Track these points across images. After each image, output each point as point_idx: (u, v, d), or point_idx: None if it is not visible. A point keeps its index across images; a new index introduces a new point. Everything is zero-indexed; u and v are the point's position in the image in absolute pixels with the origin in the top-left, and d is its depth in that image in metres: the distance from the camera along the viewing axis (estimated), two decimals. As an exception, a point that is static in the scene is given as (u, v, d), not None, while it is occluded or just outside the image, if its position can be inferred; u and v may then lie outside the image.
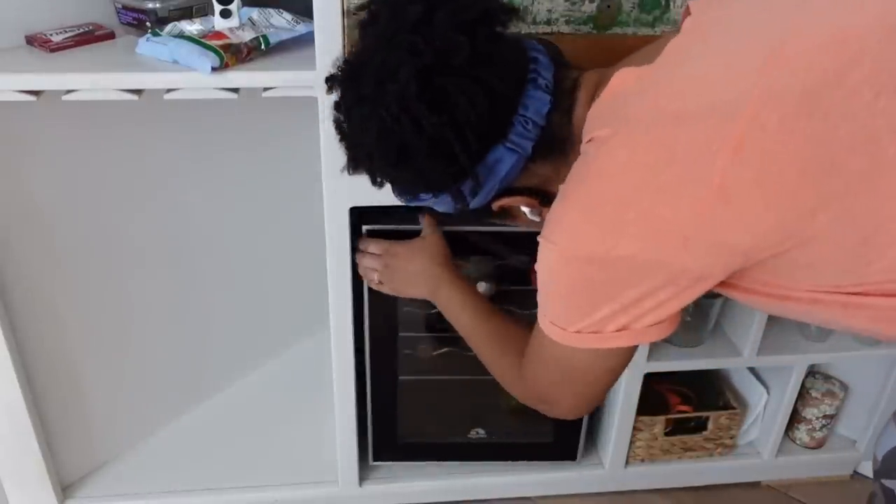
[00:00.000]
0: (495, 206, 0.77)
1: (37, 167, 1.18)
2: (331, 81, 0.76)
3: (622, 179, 0.63)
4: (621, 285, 0.65)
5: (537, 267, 0.71)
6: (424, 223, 1.08)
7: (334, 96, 0.76)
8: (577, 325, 0.69)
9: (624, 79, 0.68)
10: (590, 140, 0.67)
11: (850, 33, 0.59)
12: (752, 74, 0.60)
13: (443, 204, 0.77)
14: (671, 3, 1.02)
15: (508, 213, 0.81)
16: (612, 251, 0.63)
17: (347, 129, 0.75)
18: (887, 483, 0.87)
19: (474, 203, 0.75)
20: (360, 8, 0.75)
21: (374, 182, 0.77)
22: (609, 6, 1.01)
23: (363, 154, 0.74)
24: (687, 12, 0.73)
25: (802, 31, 0.61)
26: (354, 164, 0.77)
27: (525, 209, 0.79)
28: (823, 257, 0.61)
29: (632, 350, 0.73)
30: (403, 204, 0.82)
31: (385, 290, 1.09)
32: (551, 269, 0.69)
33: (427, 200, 0.78)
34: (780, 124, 0.57)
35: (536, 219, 0.79)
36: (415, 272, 1.04)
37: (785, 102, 0.58)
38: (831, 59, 0.58)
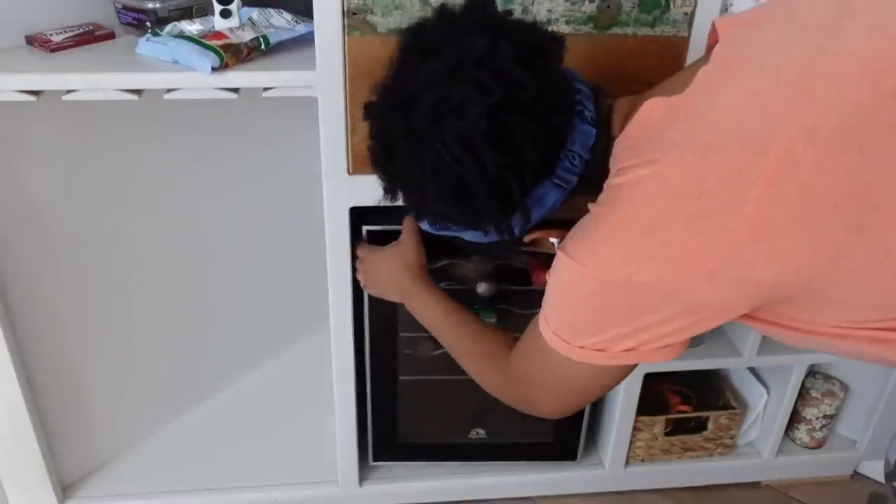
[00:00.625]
0: (528, 238, 0.76)
1: (37, 167, 1.18)
2: (371, 109, 0.73)
3: (651, 207, 0.62)
4: (638, 310, 0.64)
5: (552, 278, 0.69)
6: (404, 227, 1.06)
7: (374, 124, 0.73)
8: (583, 341, 0.68)
9: (653, 108, 0.66)
10: (620, 169, 0.66)
11: (885, 66, 0.58)
12: (785, 108, 0.59)
13: (475, 234, 0.75)
14: (671, 3, 1.02)
15: (537, 245, 0.80)
16: (633, 276, 0.62)
17: (391, 159, 0.71)
18: None
19: (513, 238, 0.74)
20: (410, 32, 0.72)
21: (416, 213, 0.75)
22: (609, 6, 1.01)
23: (412, 188, 0.71)
24: (714, 36, 0.71)
25: (835, 63, 0.60)
26: (394, 195, 0.74)
27: (554, 241, 0.77)
28: (853, 293, 0.60)
29: (631, 368, 0.71)
30: (432, 232, 0.79)
31: (370, 292, 1.11)
32: (568, 284, 0.68)
33: (458, 232, 0.76)
34: (815, 159, 0.56)
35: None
36: (387, 278, 1.05)
37: (819, 137, 0.57)
38: (865, 93, 0.57)
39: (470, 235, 0.76)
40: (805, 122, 0.57)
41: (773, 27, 0.67)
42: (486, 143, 0.65)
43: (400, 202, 0.75)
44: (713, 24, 0.73)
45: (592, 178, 0.70)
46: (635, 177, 0.63)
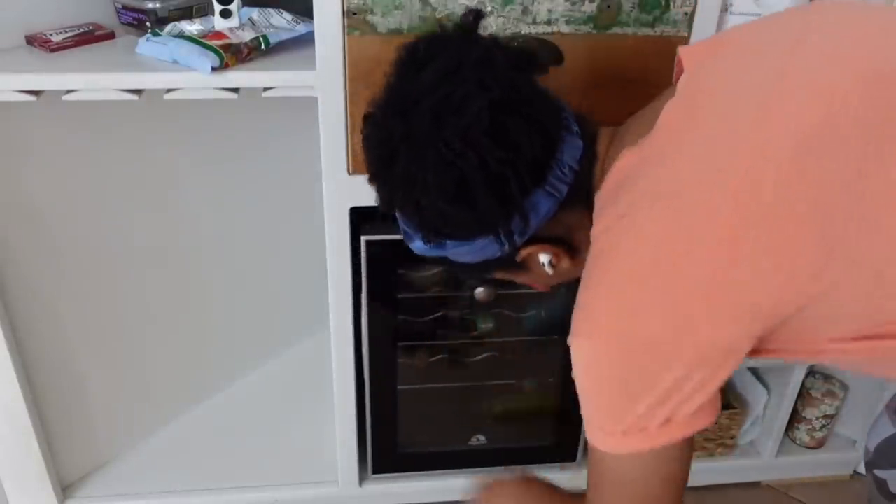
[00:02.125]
0: (522, 254, 0.76)
1: (37, 167, 1.18)
2: (369, 119, 0.74)
3: (635, 259, 0.64)
4: (656, 369, 0.64)
5: (574, 374, 0.70)
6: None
7: (372, 133, 0.73)
8: (622, 423, 0.67)
9: (627, 162, 0.68)
10: (600, 229, 0.68)
11: (833, 87, 0.61)
12: (744, 136, 0.61)
13: (470, 254, 0.75)
14: (671, 3, 1.02)
15: (525, 266, 0.79)
16: (639, 332, 0.63)
17: (390, 167, 0.71)
18: (879, 473, 0.88)
19: (509, 248, 0.74)
20: (408, 49, 0.73)
21: (411, 225, 0.75)
22: (609, 6, 1.01)
23: (412, 192, 0.70)
24: (680, 65, 0.74)
25: (789, 90, 0.62)
26: (391, 204, 0.74)
27: (544, 260, 0.78)
28: (842, 304, 0.61)
29: (684, 452, 0.71)
30: (426, 254, 0.78)
31: None
32: (586, 365, 0.68)
33: (452, 250, 0.75)
34: (776, 183, 0.59)
35: (550, 272, 0.79)
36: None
37: (779, 161, 0.59)
38: (817, 114, 0.60)
39: (465, 253, 0.75)
40: (764, 148, 0.60)
41: (734, 55, 0.70)
42: (487, 138, 0.66)
43: (397, 215, 0.75)
44: (678, 54, 0.75)
45: (580, 192, 0.72)
46: (615, 234, 0.66)
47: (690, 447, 0.72)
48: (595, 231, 0.69)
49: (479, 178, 0.67)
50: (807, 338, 0.65)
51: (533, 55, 0.74)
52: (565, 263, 0.78)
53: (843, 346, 0.64)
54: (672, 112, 0.68)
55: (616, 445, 0.69)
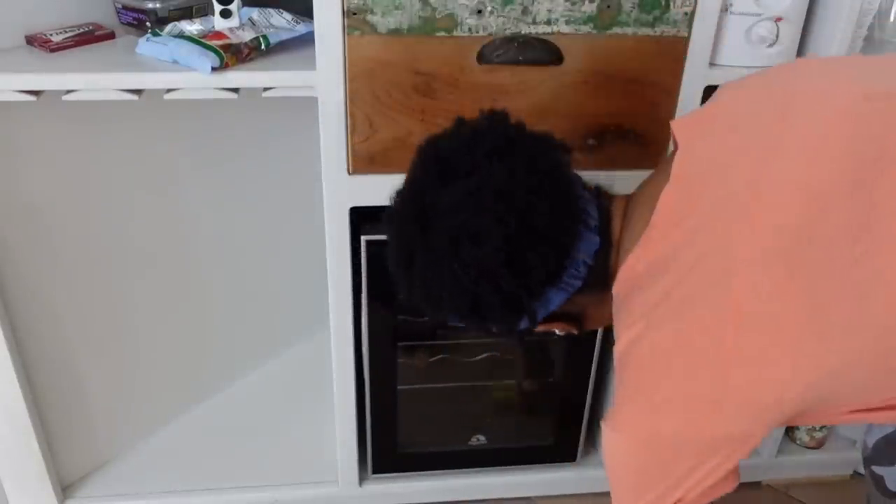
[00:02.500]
0: (533, 331, 0.80)
1: (37, 167, 1.18)
2: (391, 218, 0.77)
3: (650, 368, 0.69)
4: (674, 462, 0.69)
5: (605, 459, 0.77)
6: None
7: (393, 233, 0.77)
8: (642, 500, 0.72)
9: (633, 266, 0.71)
10: (618, 336, 0.72)
11: (816, 188, 0.63)
12: (739, 240, 0.64)
13: (484, 331, 0.80)
14: (671, 3, 1.02)
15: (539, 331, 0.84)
16: (659, 430, 0.68)
17: (409, 267, 0.75)
18: (877, 469, 0.88)
19: (517, 339, 0.80)
20: (430, 144, 0.77)
21: (429, 314, 0.80)
22: (609, 6, 1.01)
23: (428, 298, 0.76)
24: (675, 145, 0.75)
25: (770, 190, 0.65)
26: (410, 295, 0.78)
27: (557, 331, 0.83)
28: (853, 382, 0.64)
29: None
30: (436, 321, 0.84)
31: None
32: (613, 452, 0.75)
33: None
34: (772, 286, 0.62)
35: (562, 333, 0.84)
36: None
37: (770, 265, 0.62)
38: (799, 216, 0.62)
39: (479, 329, 0.81)
40: (754, 253, 0.63)
41: (721, 133, 0.73)
42: (502, 269, 0.70)
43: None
44: (671, 128, 0.77)
45: (595, 279, 0.75)
46: (629, 342, 0.70)
47: None
48: (618, 344, 0.72)
49: (493, 301, 0.72)
50: (827, 413, 0.69)
51: (559, 142, 0.77)
52: (573, 330, 0.83)
53: (865, 416, 0.68)
54: (669, 197, 0.70)
55: None
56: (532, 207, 0.70)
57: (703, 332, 0.65)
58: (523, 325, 0.77)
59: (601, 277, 0.75)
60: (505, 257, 0.70)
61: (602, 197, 0.79)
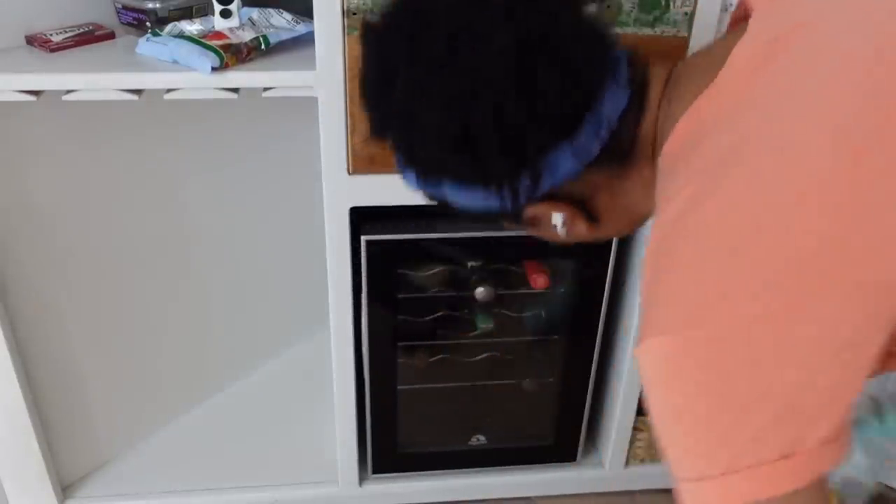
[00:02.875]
0: (530, 212, 0.64)
1: (37, 167, 1.18)
2: (370, 29, 0.60)
3: (723, 232, 0.48)
4: (766, 369, 0.46)
5: (647, 397, 0.52)
6: None
7: (371, 47, 0.61)
8: (721, 460, 0.47)
9: (697, 117, 0.56)
10: (664, 201, 0.54)
11: None
12: (867, 84, 0.48)
13: (467, 201, 0.62)
14: (671, 3, 1.02)
15: (532, 223, 0.67)
16: (737, 310, 0.46)
17: (385, 93, 0.59)
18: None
19: (515, 206, 0.61)
20: None
21: (405, 161, 0.63)
22: (609, 6, 1.01)
23: (407, 128, 0.59)
24: (741, 7, 0.62)
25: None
26: (381, 133, 0.62)
27: (557, 220, 0.65)
28: None
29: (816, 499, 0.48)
30: (418, 189, 0.66)
31: None
32: (664, 377, 0.50)
33: (449, 191, 0.62)
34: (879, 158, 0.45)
35: (562, 233, 0.67)
36: None
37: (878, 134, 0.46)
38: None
39: (463, 197, 0.62)
40: (888, 95, 0.46)
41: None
42: (508, 83, 0.54)
43: (391, 147, 0.64)
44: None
45: (615, 153, 0.59)
46: (677, 212, 0.52)
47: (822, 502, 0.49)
48: (661, 215, 0.54)
49: (488, 128, 0.55)
50: None
51: None
52: (580, 228, 0.66)
53: None
54: (744, 50, 0.54)
55: (716, 497, 0.48)
56: (554, 14, 0.55)
57: (809, 181, 0.46)
58: (523, 190, 0.60)
59: (622, 149, 0.60)
60: (513, 66, 0.53)
61: (636, 58, 0.62)
